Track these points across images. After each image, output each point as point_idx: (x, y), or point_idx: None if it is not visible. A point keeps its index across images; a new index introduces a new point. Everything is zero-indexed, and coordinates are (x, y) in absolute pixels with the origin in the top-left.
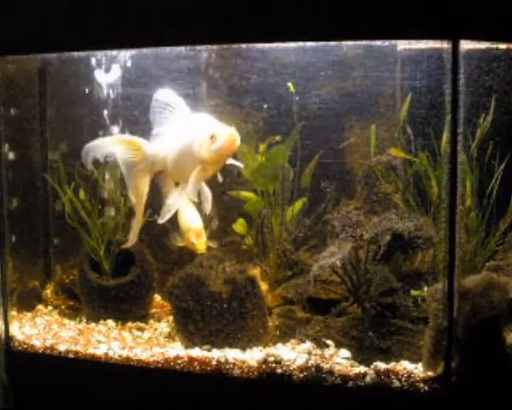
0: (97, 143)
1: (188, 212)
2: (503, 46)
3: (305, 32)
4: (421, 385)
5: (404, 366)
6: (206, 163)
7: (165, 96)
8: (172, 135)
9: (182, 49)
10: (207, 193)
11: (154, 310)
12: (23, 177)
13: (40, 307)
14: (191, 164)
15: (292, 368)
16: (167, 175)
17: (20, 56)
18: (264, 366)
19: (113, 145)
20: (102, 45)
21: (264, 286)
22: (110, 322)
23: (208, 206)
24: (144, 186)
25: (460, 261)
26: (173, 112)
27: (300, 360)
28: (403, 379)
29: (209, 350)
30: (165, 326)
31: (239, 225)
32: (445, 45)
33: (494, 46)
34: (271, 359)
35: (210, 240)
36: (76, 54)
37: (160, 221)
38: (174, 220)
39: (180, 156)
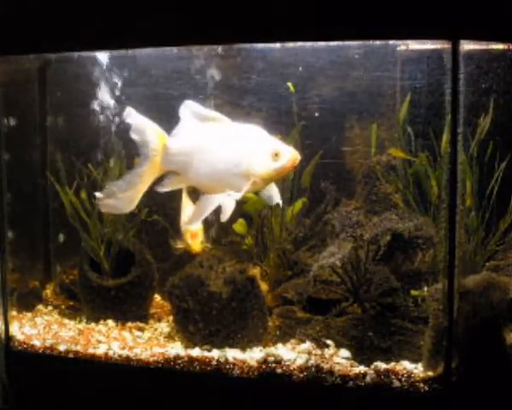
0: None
1: (187, 212)
2: (503, 46)
3: (305, 32)
4: (421, 385)
5: (404, 366)
6: (259, 179)
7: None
8: (204, 142)
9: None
10: (231, 203)
11: (154, 310)
12: (23, 177)
13: (40, 307)
14: (234, 177)
15: (292, 368)
16: (182, 179)
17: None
18: (264, 366)
19: (149, 132)
20: (102, 45)
21: (264, 286)
22: (110, 322)
23: (226, 215)
24: (150, 179)
25: (460, 261)
26: (209, 122)
27: (300, 360)
28: (403, 379)
29: (209, 350)
30: (165, 326)
31: (239, 225)
32: (445, 45)
33: (494, 46)
34: (271, 359)
35: (207, 241)
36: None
37: (185, 225)
38: (175, 222)
39: (220, 167)
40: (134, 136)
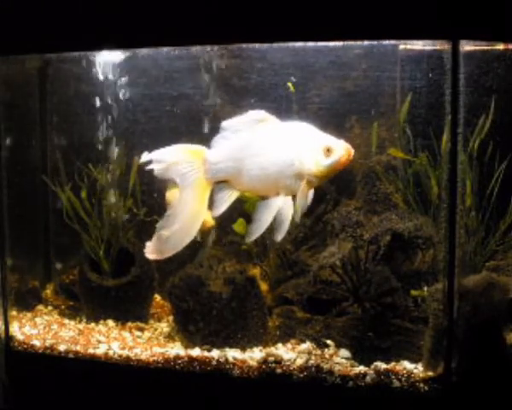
0: (158, 154)
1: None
2: (503, 46)
3: (305, 32)
4: (421, 385)
5: (404, 365)
6: (312, 177)
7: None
8: (254, 144)
9: None
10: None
11: (154, 310)
12: (23, 176)
13: (40, 307)
14: (287, 178)
15: (292, 368)
16: (233, 186)
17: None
18: (264, 366)
19: (175, 155)
20: (102, 45)
21: (264, 286)
22: (110, 322)
23: (280, 235)
24: (203, 198)
25: (460, 261)
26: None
27: (300, 360)
28: (403, 379)
29: (209, 350)
30: (165, 326)
31: (239, 225)
32: (445, 45)
33: (495, 46)
34: (271, 359)
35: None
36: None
37: (250, 239)
38: None
39: (273, 169)
40: (164, 171)
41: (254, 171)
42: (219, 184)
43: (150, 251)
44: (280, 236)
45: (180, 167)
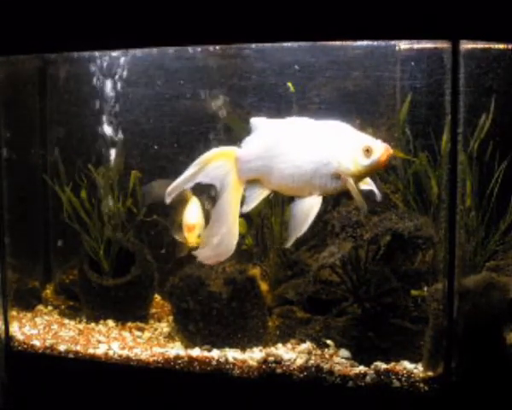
0: (189, 173)
1: (189, 208)
2: (503, 46)
3: (305, 32)
4: (421, 385)
5: (404, 365)
6: (349, 177)
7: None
8: (286, 143)
9: None
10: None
11: (154, 310)
12: (23, 176)
13: (40, 307)
14: (322, 177)
15: (292, 368)
16: (264, 185)
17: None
18: (264, 366)
19: (208, 161)
20: (102, 45)
21: (264, 286)
22: (110, 322)
23: (300, 232)
24: (239, 197)
25: (460, 261)
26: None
27: (300, 360)
28: (403, 379)
29: (209, 350)
30: (165, 326)
31: (239, 225)
32: (444, 45)
33: (494, 46)
34: (271, 359)
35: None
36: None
37: (289, 244)
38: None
39: (307, 168)
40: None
41: (287, 170)
42: (250, 182)
43: (206, 258)
44: (299, 233)
45: (216, 172)
